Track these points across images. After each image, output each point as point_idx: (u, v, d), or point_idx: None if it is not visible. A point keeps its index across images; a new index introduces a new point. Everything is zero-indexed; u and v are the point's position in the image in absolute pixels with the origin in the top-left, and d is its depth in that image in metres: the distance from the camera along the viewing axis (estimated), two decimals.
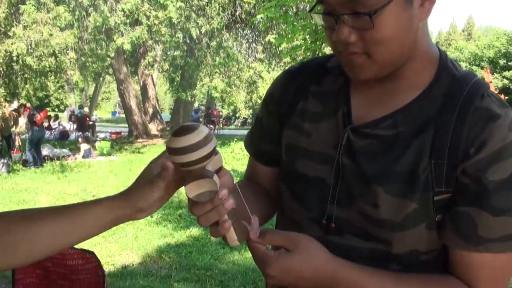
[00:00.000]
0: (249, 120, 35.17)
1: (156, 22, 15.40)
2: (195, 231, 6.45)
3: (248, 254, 5.50)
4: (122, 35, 14.62)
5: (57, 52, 13.54)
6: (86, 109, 26.68)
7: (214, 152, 0.85)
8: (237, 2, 17.87)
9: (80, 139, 15.03)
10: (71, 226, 0.89)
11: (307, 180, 1.05)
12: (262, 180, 1.22)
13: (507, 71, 34.44)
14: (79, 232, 0.90)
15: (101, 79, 32.24)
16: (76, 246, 1.98)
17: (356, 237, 0.99)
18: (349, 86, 1.05)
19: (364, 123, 0.99)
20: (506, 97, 31.50)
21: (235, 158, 14.07)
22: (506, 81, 33.89)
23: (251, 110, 26.49)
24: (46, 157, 13.31)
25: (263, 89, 24.26)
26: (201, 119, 24.74)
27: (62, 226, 0.89)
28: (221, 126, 25.29)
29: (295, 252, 0.90)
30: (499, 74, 34.34)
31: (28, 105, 16.84)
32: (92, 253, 1.98)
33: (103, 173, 11.44)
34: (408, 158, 0.93)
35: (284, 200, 1.12)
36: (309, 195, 1.05)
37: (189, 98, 19.68)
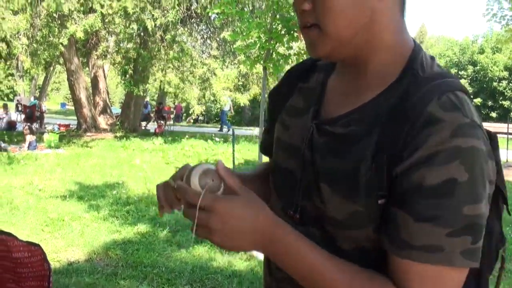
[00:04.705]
0: (201, 118, 34.74)
1: (110, 11, 15.09)
2: (142, 228, 6.36)
3: (196, 252, 5.47)
4: (76, 23, 14.26)
5: (8, 37, 13.07)
6: (32, 99, 25.89)
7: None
8: None
9: (25, 130, 14.58)
10: None
11: (282, 172, 1.11)
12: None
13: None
14: None
15: (51, 68, 31.36)
16: (22, 239, 1.91)
17: (314, 228, 1.01)
18: (326, 83, 1.09)
19: (325, 120, 1.02)
20: None
21: (185, 155, 13.94)
22: None
23: (203, 107, 26.29)
24: None
25: (216, 86, 24.15)
26: (151, 115, 24.38)
27: None
28: (172, 122, 25.00)
29: (241, 195, 0.91)
30: None
31: None
32: (38, 245, 1.92)
33: (50, 166, 11.13)
34: (351, 159, 0.93)
35: (270, 191, 1.19)
36: (283, 186, 1.11)
37: (141, 93, 19.36)
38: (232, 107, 27.53)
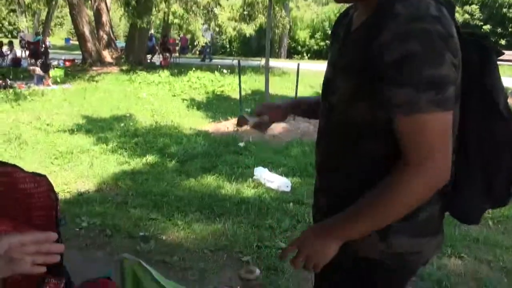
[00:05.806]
0: (207, 49, 34.20)
1: None
2: (151, 158, 6.45)
3: (204, 181, 5.56)
4: None
5: None
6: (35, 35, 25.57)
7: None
8: None
9: (31, 67, 14.50)
10: None
11: (324, 78, 1.53)
12: None
13: (468, 6, 34.63)
14: None
15: (53, 3, 30.77)
16: (27, 170, 1.93)
17: (325, 102, 1.49)
18: (353, 16, 1.47)
19: (347, 36, 1.42)
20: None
21: (192, 87, 13.89)
22: (466, 16, 34.10)
23: (209, 39, 25.80)
24: None
25: (221, 16, 23.69)
26: (156, 47, 24.06)
27: None
28: (177, 54, 24.69)
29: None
30: (460, 8, 34.48)
31: None
32: (43, 176, 1.93)
33: (57, 102, 11.16)
34: (352, 52, 1.34)
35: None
36: (324, 85, 1.53)
37: (145, 25, 19.00)
38: (213, 38, 27.20)
